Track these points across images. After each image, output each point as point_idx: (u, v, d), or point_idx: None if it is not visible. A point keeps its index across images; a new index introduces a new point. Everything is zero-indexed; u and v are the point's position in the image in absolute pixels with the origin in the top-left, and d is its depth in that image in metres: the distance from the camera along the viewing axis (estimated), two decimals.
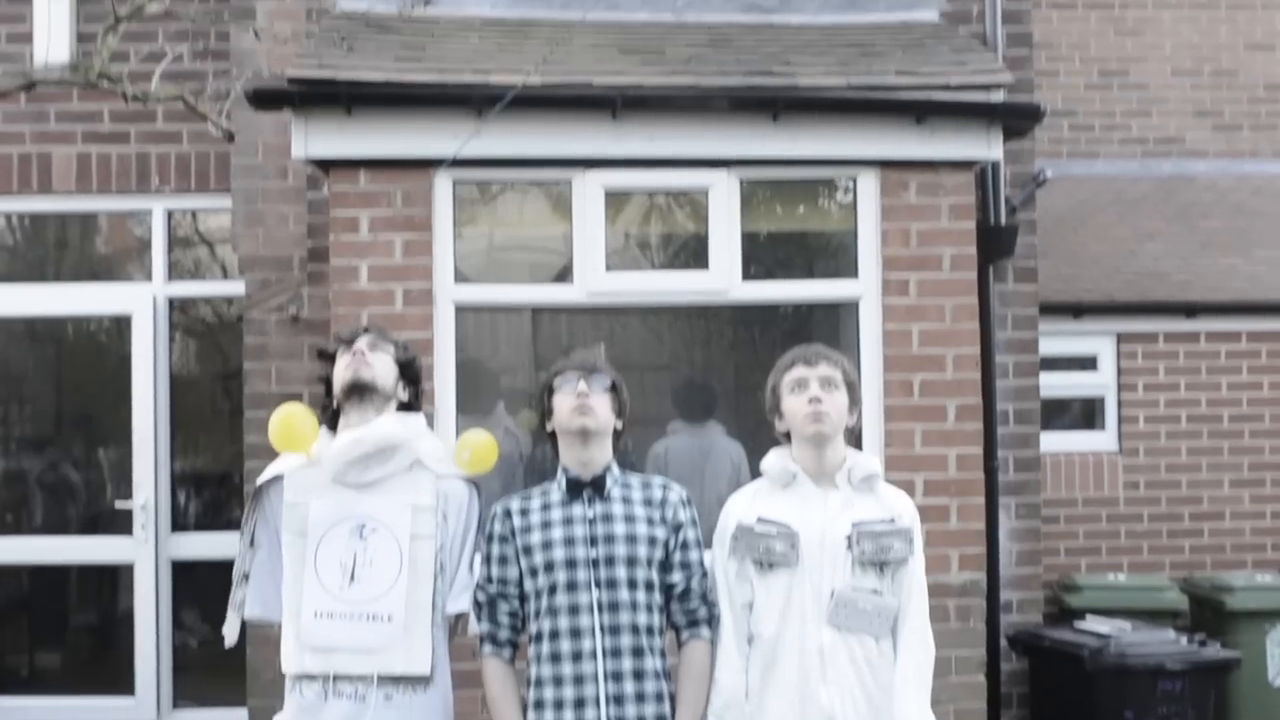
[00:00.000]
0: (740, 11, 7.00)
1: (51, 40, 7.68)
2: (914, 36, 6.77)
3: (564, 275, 6.26)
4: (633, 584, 4.01)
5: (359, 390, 4.21)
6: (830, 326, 6.44)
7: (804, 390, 4.06)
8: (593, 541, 4.03)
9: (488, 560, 4.12)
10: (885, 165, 6.19)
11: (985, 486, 6.32)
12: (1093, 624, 6.81)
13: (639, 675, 3.98)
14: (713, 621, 4.10)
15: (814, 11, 7.03)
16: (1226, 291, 9.04)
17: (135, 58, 7.07)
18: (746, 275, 6.18)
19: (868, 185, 6.22)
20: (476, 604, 4.14)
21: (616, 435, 4.19)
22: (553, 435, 4.18)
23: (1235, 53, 10.55)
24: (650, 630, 4.02)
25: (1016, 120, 6.32)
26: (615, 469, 4.15)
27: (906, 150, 6.16)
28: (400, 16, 6.69)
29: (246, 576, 4.30)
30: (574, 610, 3.98)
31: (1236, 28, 10.55)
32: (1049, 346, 7.98)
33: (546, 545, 4.03)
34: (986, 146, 6.20)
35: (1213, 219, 9.82)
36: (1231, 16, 10.55)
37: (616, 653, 3.97)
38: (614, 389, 4.16)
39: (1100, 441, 8.96)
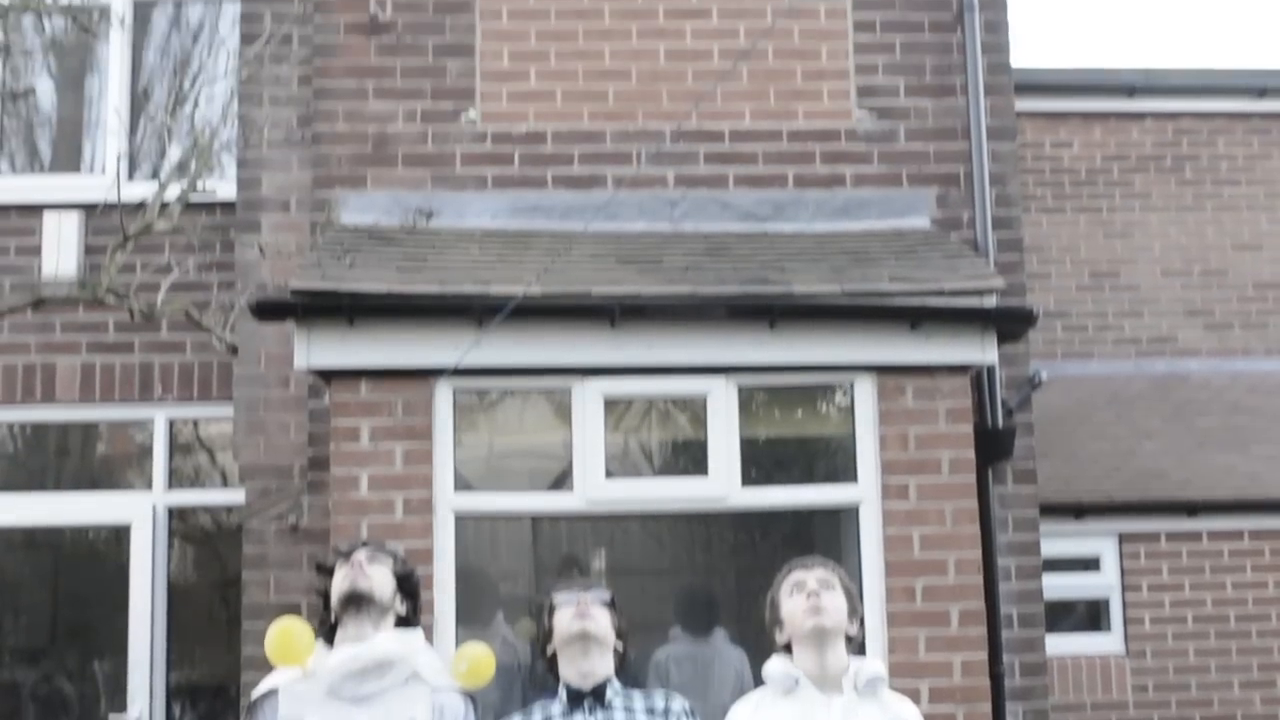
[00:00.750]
0: (736, 220, 7.14)
1: (61, 254, 7.82)
2: (906, 243, 6.90)
3: (563, 480, 6.26)
4: None
5: (356, 601, 4.20)
6: (831, 531, 6.42)
7: (801, 590, 4.07)
8: None
9: None
10: (882, 370, 6.25)
11: (992, 693, 6.22)
12: None
13: None
14: None
15: (807, 220, 7.17)
16: (1226, 489, 9.04)
17: (142, 270, 7.19)
18: (746, 480, 6.18)
19: (865, 390, 6.26)
20: None
21: (617, 655, 4.17)
22: (553, 659, 4.15)
23: (1223, 253, 10.74)
24: None
25: (1010, 324, 6.40)
26: (615, 682, 4.12)
27: (902, 355, 6.22)
28: (403, 229, 6.83)
29: None
30: None
31: (1223, 229, 10.76)
32: (1051, 548, 7.94)
33: None
34: (981, 351, 6.27)
35: (1209, 417, 9.88)
36: (1218, 218, 10.77)
37: None
38: (613, 605, 4.16)
39: (1106, 644, 8.87)
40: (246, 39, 7.46)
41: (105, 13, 7.99)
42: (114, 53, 8.13)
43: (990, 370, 6.84)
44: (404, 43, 7.29)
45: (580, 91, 7.28)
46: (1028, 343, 7.12)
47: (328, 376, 6.19)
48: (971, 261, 6.68)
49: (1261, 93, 10.72)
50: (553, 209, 7.11)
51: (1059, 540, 8.52)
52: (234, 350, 6.99)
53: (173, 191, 6.00)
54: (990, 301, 6.30)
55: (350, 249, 6.42)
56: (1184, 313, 10.59)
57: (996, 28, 7.47)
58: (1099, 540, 8.92)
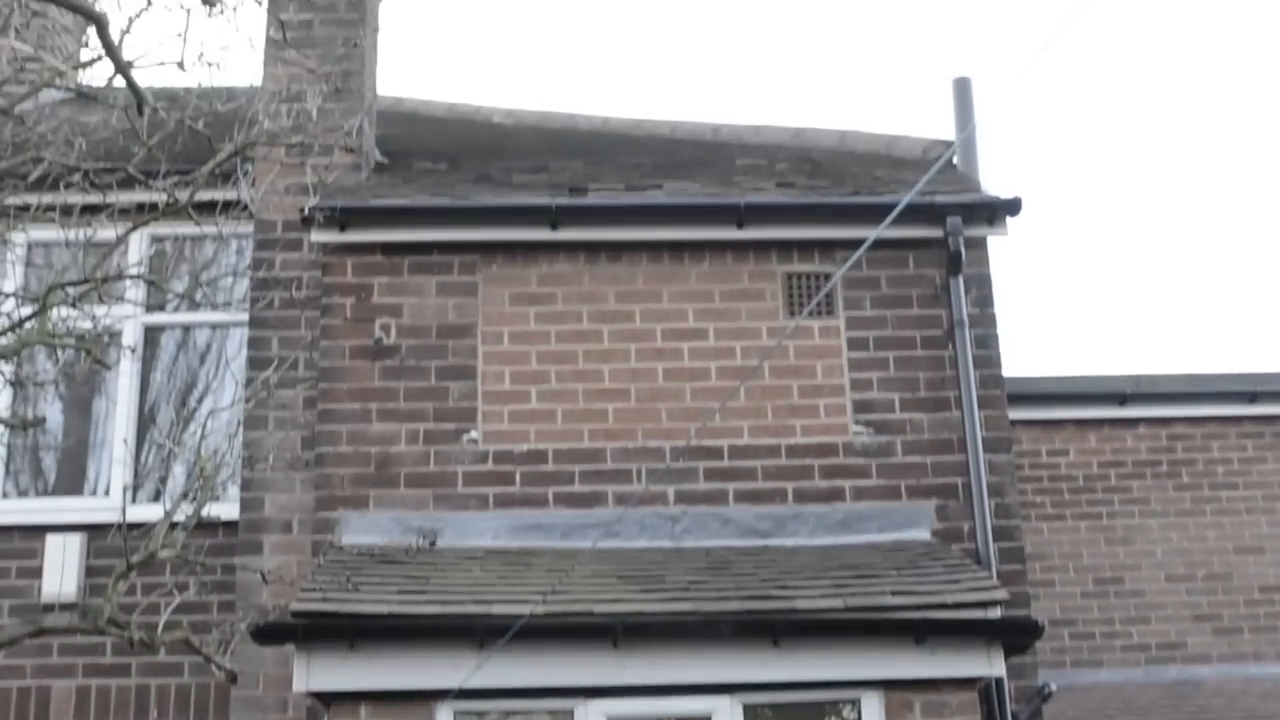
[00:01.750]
0: (736, 536, 7.17)
1: (63, 575, 7.79)
2: (908, 556, 6.91)
3: None
4: None
5: None
6: None
7: None
8: None
9: None
10: (888, 685, 6.17)
11: None
12: None
13: None
14: None
15: (808, 534, 7.20)
16: None
17: (143, 593, 7.15)
18: None
19: (872, 706, 6.17)
20: None
21: None
22: None
23: (1226, 557, 10.70)
24: None
25: (1016, 636, 6.36)
26: None
27: (908, 670, 6.16)
28: (405, 550, 6.85)
29: None
30: None
31: (1224, 532, 10.75)
32: None
33: None
34: (988, 664, 6.20)
35: None
36: (1218, 522, 10.77)
37: None
38: None
39: None
40: (254, 364, 7.62)
41: (116, 338, 8.16)
42: (122, 381, 8.26)
43: (998, 682, 6.76)
44: (407, 366, 7.47)
45: (581, 411, 7.42)
46: (1035, 653, 7.05)
47: (327, 700, 6.12)
48: (974, 573, 6.68)
49: (1252, 398, 10.87)
50: (554, 527, 7.15)
51: None
52: (234, 679, 6.90)
53: (177, 516, 6.03)
54: (995, 613, 6.28)
55: (352, 570, 6.43)
56: (1191, 618, 10.49)
57: (987, 342, 7.65)
58: None
